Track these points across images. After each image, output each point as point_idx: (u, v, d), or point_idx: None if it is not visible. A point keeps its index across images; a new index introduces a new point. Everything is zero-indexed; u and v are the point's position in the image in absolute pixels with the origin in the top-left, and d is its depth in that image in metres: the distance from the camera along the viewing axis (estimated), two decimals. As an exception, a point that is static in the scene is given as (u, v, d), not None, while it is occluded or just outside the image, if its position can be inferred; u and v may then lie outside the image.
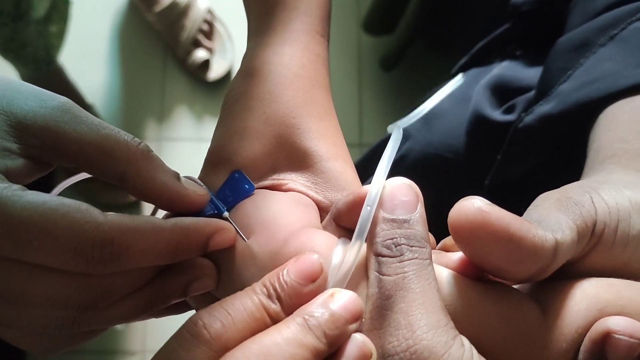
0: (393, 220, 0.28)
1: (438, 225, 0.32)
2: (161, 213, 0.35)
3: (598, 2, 0.49)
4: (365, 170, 0.65)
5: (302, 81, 0.38)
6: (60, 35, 1.21)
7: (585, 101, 0.43)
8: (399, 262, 0.26)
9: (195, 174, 0.37)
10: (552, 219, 0.27)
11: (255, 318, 0.27)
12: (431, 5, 1.21)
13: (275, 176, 0.36)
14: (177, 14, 1.40)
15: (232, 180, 0.36)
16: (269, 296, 0.28)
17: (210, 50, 1.44)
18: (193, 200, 0.33)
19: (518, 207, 0.31)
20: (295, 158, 0.36)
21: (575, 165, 0.40)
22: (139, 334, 1.26)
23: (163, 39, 1.46)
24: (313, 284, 0.28)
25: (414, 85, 1.44)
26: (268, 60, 0.38)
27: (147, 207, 1.29)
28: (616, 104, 0.41)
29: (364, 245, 0.29)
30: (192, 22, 1.41)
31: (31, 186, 0.30)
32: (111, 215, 0.29)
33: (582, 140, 0.41)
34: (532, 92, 0.52)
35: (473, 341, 0.26)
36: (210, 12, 1.45)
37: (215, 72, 1.43)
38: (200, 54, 1.41)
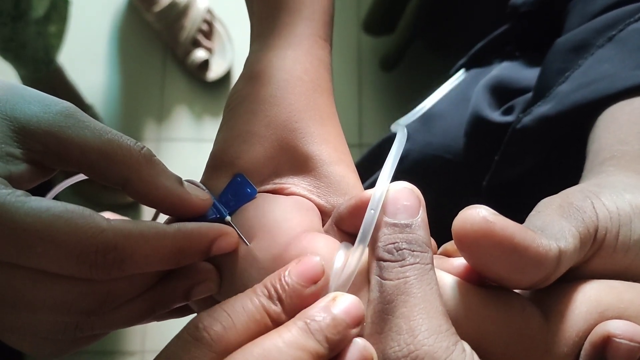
0: (395, 225, 0.28)
1: (437, 226, 0.32)
2: (162, 217, 0.35)
3: (596, 4, 0.49)
4: (367, 170, 0.65)
5: (305, 85, 0.38)
6: (60, 35, 1.21)
7: (583, 102, 0.43)
8: (401, 267, 0.27)
9: (195, 174, 0.37)
10: (555, 226, 0.27)
11: (256, 319, 0.27)
12: (431, 6, 1.22)
13: (277, 180, 0.36)
14: (176, 14, 1.40)
15: (234, 184, 0.36)
16: (270, 297, 0.28)
17: (209, 50, 1.44)
18: (196, 205, 0.33)
19: (516, 208, 0.31)
20: (297, 162, 0.36)
21: (572, 166, 0.40)
22: (138, 335, 1.26)
23: (162, 39, 1.46)
24: (314, 286, 0.28)
25: (413, 86, 1.44)
26: (271, 64, 0.38)
27: (147, 208, 1.29)
28: (616, 105, 0.41)
29: (367, 250, 0.29)
30: (192, 22, 1.41)
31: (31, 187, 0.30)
32: (115, 221, 0.29)
33: (580, 141, 0.41)
34: (531, 93, 0.52)
35: (474, 346, 0.26)
36: (209, 12, 1.45)
37: (214, 72, 1.43)
38: (199, 54, 1.41)
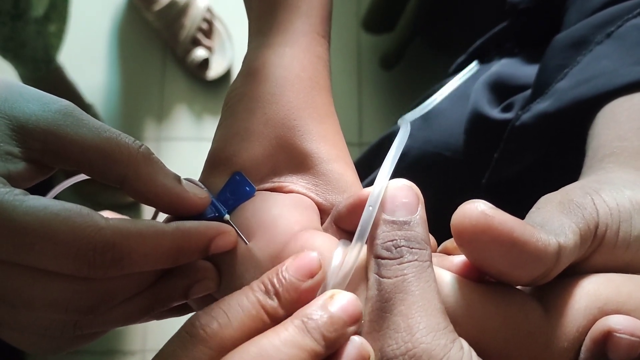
0: (393, 222, 0.28)
1: (436, 224, 0.32)
2: (162, 217, 0.35)
3: (595, 0, 0.49)
4: (367, 168, 0.65)
5: (303, 83, 0.38)
6: (60, 34, 1.21)
7: (582, 99, 0.43)
8: (399, 265, 0.26)
9: (195, 174, 0.37)
10: (555, 222, 0.27)
11: (252, 315, 0.27)
12: (431, 4, 1.21)
13: (275, 178, 0.36)
14: (176, 13, 1.40)
15: (232, 182, 0.36)
16: (267, 292, 0.28)
17: (209, 49, 1.44)
18: (194, 203, 0.33)
19: (515, 205, 0.31)
20: (296, 160, 0.36)
21: (572, 163, 0.40)
22: (139, 334, 1.26)
23: (162, 38, 1.46)
24: (311, 280, 0.28)
25: (413, 84, 1.44)
26: (269, 61, 0.38)
27: (147, 208, 1.29)
28: (615, 101, 0.41)
29: (365, 247, 0.29)
30: (192, 21, 1.41)
31: (31, 187, 0.30)
32: (113, 219, 0.29)
33: (579, 138, 0.41)
34: (530, 90, 0.52)
35: (473, 343, 0.26)
36: (209, 10, 1.45)
37: (214, 71, 1.43)
38: (199, 53, 1.41)
